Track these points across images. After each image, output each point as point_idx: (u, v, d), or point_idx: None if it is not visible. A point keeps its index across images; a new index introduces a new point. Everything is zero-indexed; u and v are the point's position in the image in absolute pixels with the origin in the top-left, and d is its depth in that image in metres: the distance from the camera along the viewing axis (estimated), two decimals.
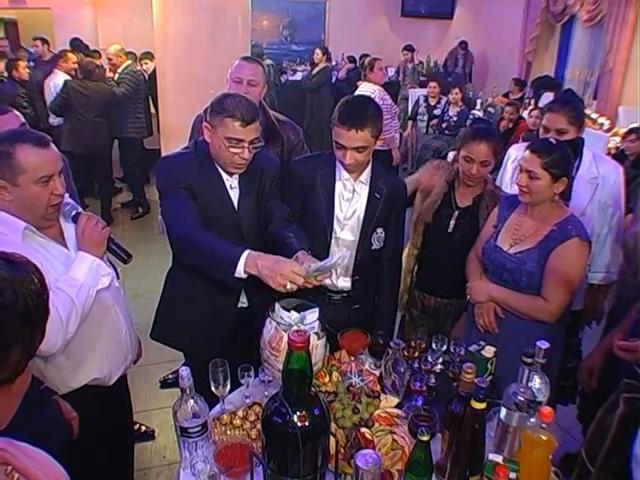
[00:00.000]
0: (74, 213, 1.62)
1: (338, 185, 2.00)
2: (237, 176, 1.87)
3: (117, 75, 5.47)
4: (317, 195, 1.98)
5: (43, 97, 5.51)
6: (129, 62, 5.64)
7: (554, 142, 1.93)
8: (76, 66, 5.40)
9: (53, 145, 1.53)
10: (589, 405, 2.32)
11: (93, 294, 1.57)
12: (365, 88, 4.82)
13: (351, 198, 2.00)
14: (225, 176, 1.86)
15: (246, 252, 1.58)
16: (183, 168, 1.83)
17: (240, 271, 1.58)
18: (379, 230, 2.02)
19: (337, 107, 1.89)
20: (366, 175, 2.00)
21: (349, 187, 2.00)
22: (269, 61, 7.05)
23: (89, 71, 5.12)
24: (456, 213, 2.23)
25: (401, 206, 2.10)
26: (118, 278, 1.81)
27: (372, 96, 4.36)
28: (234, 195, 1.88)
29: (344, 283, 2.08)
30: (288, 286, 1.52)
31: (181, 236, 1.75)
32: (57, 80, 5.37)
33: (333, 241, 2.03)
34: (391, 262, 2.14)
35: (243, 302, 1.98)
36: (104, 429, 1.76)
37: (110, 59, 5.59)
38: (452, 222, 2.23)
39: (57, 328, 1.45)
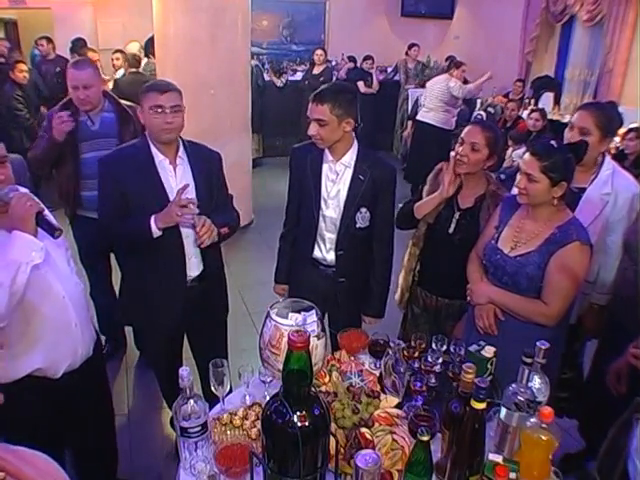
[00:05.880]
0: (11, 195, 1.58)
1: (324, 167, 2.20)
2: (181, 165, 2.12)
3: None
4: (307, 176, 2.21)
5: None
6: (147, 60, 5.70)
7: (555, 145, 1.90)
8: (98, 65, 5.47)
9: None
10: (593, 416, 2.30)
11: (26, 270, 1.53)
12: (442, 79, 5.98)
13: (335, 179, 2.19)
14: (164, 163, 2.10)
15: (152, 217, 1.99)
16: (120, 162, 2.09)
17: (155, 231, 1.99)
18: (363, 210, 2.17)
19: None
20: (349, 158, 2.17)
21: (334, 169, 2.18)
22: (254, 62, 7.00)
23: (137, 61, 5.43)
24: (457, 214, 2.23)
25: (388, 190, 2.21)
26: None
27: (456, 86, 5.86)
28: (172, 182, 2.11)
29: (331, 256, 2.26)
30: (180, 212, 1.95)
31: (103, 225, 2.15)
32: None
33: (320, 218, 2.23)
34: (381, 243, 2.27)
35: (191, 275, 2.21)
36: (53, 421, 1.82)
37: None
38: (453, 223, 2.23)
39: None
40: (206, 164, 2.20)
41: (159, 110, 2.00)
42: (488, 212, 2.15)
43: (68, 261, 1.83)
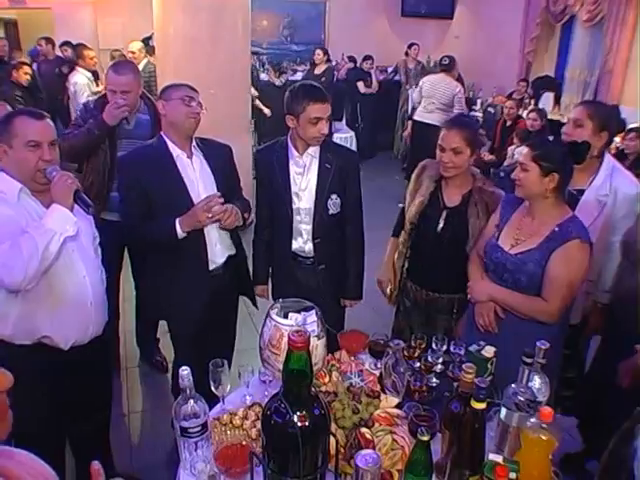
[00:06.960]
0: (54, 173, 1.75)
1: (291, 163, 2.28)
2: (196, 157, 2.20)
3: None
4: (276, 175, 2.29)
5: (65, 95, 5.74)
6: (146, 59, 5.69)
7: (550, 139, 1.99)
8: (95, 61, 5.42)
9: (49, 121, 1.79)
10: (591, 412, 2.30)
11: (59, 240, 1.70)
12: (443, 78, 5.97)
13: (302, 171, 2.27)
14: (182, 157, 2.16)
15: (177, 220, 2.06)
16: (141, 162, 2.16)
17: (180, 233, 2.07)
18: (333, 196, 2.27)
19: (297, 92, 2.18)
20: (314, 149, 2.25)
21: (300, 163, 2.27)
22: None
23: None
24: (444, 213, 2.23)
25: (353, 174, 2.33)
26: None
27: (451, 84, 5.91)
28: (191, 175, 2.18)
29: (309, 246, 2.33)
30: (209, 214, 2.04)
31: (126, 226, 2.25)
32: (77, 79, 5.42)
33: (294, 212, 2.30)
34: (352, 226, 2.37)
35: (216, 262, 2.26)
36: (58, 394, 1.89)
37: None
38: (441, 222, 2.23)
39: (20, 263, 1.64)
40: (219, 156, 2.29)
41: (191, 101, 2.13)
42: (476, 208, 2.16)
43: (95, 250, 1.98)
